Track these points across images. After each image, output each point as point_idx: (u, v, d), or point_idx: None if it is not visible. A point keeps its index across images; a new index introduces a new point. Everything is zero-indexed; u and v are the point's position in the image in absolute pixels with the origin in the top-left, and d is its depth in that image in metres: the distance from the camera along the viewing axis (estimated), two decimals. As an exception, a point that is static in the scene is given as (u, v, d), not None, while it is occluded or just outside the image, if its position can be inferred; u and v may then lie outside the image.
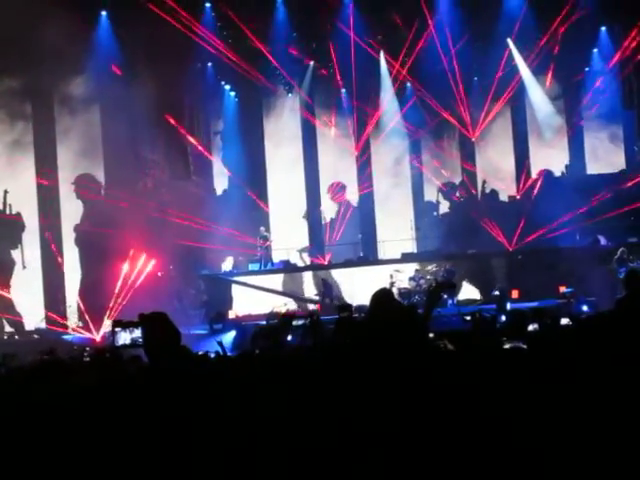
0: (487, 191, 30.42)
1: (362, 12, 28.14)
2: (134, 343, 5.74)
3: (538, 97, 29.93)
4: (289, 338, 9.33)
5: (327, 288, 27.14)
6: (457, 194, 30.56)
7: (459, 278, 26.23)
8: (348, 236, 30.96)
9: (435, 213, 31.24)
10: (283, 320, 6.95)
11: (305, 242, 31.10)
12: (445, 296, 22.67)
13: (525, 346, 6.05)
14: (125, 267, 25.20)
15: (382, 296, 6.90)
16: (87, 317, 24.99)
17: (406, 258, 28.20)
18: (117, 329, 5.83)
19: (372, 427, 4.52)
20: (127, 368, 7.06)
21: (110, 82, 25.48)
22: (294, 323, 6.99)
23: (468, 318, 9.10)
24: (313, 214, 31.31)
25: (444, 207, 31.11)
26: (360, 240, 30.86)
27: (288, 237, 30.84)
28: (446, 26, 28.49)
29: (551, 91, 29.70)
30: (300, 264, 29.78)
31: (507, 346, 6.28)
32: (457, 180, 30.99)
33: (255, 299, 27.66)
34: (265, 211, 30.92)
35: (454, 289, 23.49)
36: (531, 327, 6.83)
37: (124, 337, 5.76)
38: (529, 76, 29.66)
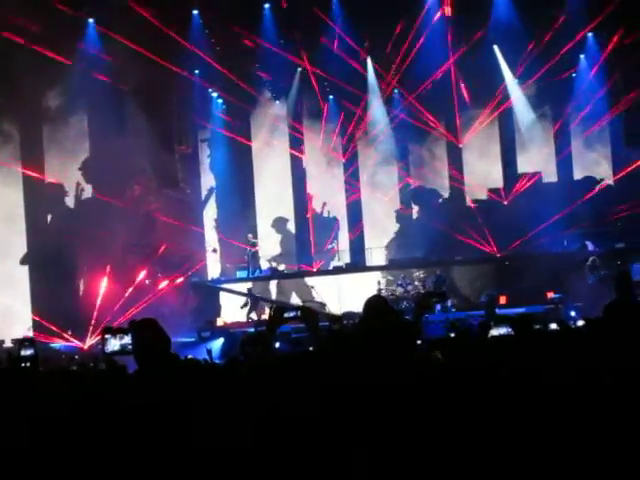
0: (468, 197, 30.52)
1: (350, 20, 28.09)
2: (124, 349, 5.71)
3: (521, 104, 29.96)
4: (277, 345, 9.30)
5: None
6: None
7: (448, 284, 26.27)
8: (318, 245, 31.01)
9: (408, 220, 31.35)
10: (274, 313, 6.89)
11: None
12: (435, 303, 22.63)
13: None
14: (112, 276, 25.19)
15: (376, 304, 6.86)
16: (76, 325, 24.99)
17: (394, 265, 28.21)
18: (107, 335, 5.79)
19: (361, 438, 4.50)
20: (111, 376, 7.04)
21: (97, 90, 25.46)
22: (285, 315, 6.92)
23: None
24: (300, 222, 31.28)
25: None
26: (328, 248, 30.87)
27: (276, 244, 30.88)
28: (435, 33, 28.53)
29: (535, 97, 29.63)
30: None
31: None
32: (444, 187, 31.01)
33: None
34: (252, 218, 30.89)
35: (444, 297, 23.52)
36: (501, 331, 6.80)
37: (114, 344, 5.73)
38: (513, 83, 29.70)
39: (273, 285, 29.01)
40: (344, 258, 30.01)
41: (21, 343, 5.56)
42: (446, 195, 30.88)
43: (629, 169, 27.95)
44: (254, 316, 27.03)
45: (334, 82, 29.70)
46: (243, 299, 27.99)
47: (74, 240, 24.68)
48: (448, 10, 28.15)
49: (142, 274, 26.22)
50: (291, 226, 31.40)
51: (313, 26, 28.25)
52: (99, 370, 10.24)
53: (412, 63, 28.89)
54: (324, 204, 31.31)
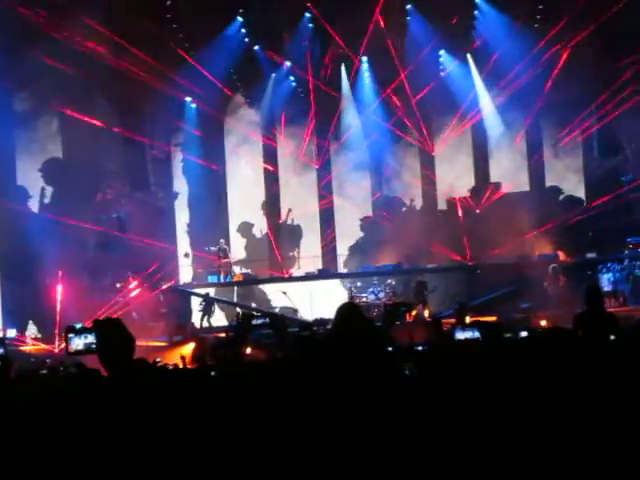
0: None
1: (323, 22, 28.15)
2: (88, 349, 5.67)
3: (491, 115, 30.07)
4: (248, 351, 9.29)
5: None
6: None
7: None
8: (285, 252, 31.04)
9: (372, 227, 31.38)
10: (242, 318, 6.89)
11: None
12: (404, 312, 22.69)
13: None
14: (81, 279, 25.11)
15: (349, 311, 6.85)
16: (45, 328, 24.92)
17: (365, 273, 28.23)
18: (70, 335, 5.75)
19: (329, 442, 4.50)
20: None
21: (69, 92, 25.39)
22: (254, 322, 6.92)
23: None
24: (273, 228, 31.28)
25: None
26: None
27: (248, 250, 30.86)
28: (413, 37, 28.68)
29: (506, 107, 29.66)
30: None
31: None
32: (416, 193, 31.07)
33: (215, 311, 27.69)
34: (225, 223, 30.84)
35: (412, 307, 23.63)
36: (467, 335, 6.82)
37: (77, 343, 5.69)
38: (484, 93, 29.82)
39: (244, 290, 28.90)
40: (309, 266, 30.04)
41: None
42: (417, 203, 30.91)
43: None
44: (205, 322, 26.98)
45: (308, 87, 29.79)
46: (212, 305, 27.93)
47: (43, 243, 24.52)
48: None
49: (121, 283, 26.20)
50: (256, 231, 31.34)
51: (286, 30, 28.34)
52: (69, 373, 10.18)
53: (387, 66, 29.02)
54: (289, 210, 31.30)
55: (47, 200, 27.31)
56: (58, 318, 24.74)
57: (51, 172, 27.46)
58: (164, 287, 27.62)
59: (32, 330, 25.43)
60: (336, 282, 28.20)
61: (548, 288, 24.81)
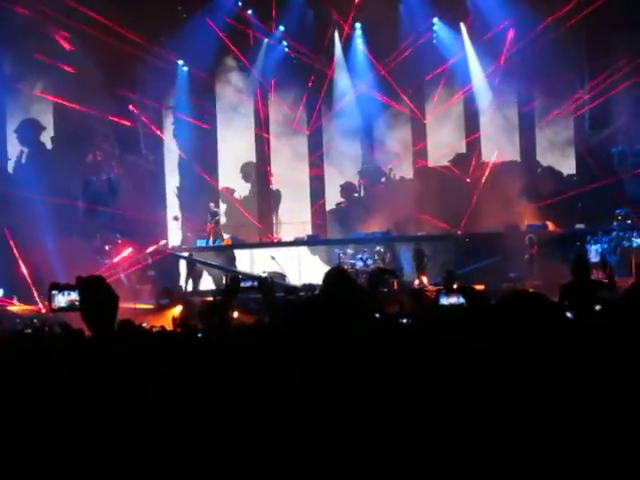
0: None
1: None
2: (72, 306, 5.66)
3: (482, 88, 30.03)
4: (235, 314, 9.31)
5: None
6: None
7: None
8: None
9: (356, 194, 31.45)
10: (230, 282, 6.89)
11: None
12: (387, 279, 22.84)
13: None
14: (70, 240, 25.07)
15: (337, 275, 6.85)
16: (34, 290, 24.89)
17: (355, 239, 28.23)
18: (54, 292, 5.75)
19: (317, 406, 4.51)
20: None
21: (61, 54, 25.27)
22: (242, 285, 6.93)
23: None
24: (262, 193, 31.29)
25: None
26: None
27: (236, 214, 30.83)
28: (407, 4, 28.64)
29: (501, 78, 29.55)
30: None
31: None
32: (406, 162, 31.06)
33: (203, 275, 27.71)
34: (215, 188, 30.80)
35: (395, 274, 23.71)
36: (452, 301, 6.86)
37: (61, 300, 5.69)
38: (475, 61, 29.75)
39: (233, 255, 28.88)
40: (298, 232, 30.17)
41: None
42: (407, 171, 30.91)
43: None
44: (191, 285, 27.02)
45: (302, 52, 29.73)
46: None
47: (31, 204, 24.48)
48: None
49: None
50: (237, 195, 31.35)
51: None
52: (53, 333, 10.19)
53: (383, 36, 28.94)
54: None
55: (36, 161, 27.14)
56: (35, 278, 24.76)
57: (38, 131, 27.36)
58: (151, 249, 27.61)
59: (18, 291, 25.34)
60: (325, 248, 28.19)
61: (524, 258, 24.93)
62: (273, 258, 26.87)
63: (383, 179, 30.92)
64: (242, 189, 31.43)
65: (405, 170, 30.98)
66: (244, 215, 30.81)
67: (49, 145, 27.76)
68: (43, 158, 27.33)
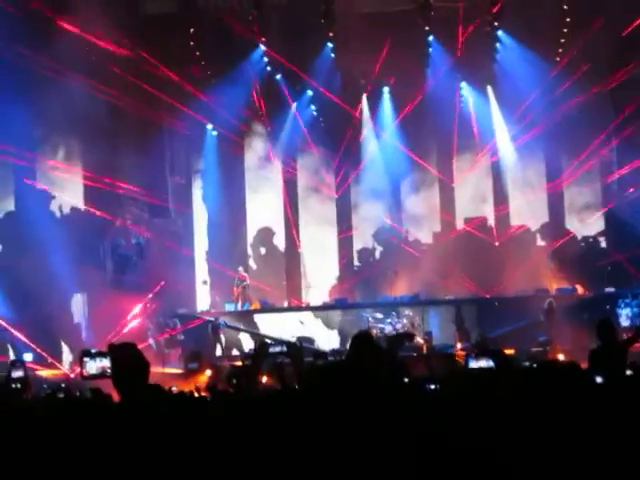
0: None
1: (343, 57, 28.21)
2: (103, 373, 5.69)
3: (509, 153, 30.10)
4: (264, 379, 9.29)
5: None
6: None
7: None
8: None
9: (371, 259, 31.40)
10: (258, 348, 6.91)
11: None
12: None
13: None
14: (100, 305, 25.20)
15: (363, 340, 6.85)
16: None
17: (384, 303, 28.15)
18: (85, 359, 5.77)
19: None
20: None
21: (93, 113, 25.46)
22: (270, 350, 6.94)
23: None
24: (290, 257, 31.37)
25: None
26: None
27: (266, 278, 30.84)
28: (434, 69, 28.77)
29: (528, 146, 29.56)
30: None
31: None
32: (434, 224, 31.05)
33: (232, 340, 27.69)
34: (244, 251, 30.91)
35: (413, 338, 23.71)
36: (481, 364, 6.81)
37: (92, 366, 5.71)
38: (501, 124, 29.87)
39: (261, 319, 28.84)
40: (325, 295, 30.24)
41: (12, 364, 5.56)
42: (435, 233, 30.88)
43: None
44: (218, 350, 26.93)
45: (329, 116, 29.98)
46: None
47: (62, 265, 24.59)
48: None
49: (137, 307, 26.25)
50: (274, 260, 31.43)
51: (309, 60, 28.47)
52: (85, 398, 10.19)
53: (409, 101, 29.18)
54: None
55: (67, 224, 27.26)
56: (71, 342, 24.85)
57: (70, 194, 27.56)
58: (180, 314, 27.66)
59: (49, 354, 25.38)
60: (353, 312, 28.10)
61: (545, 322, 24.81)
62: (302, 323, 26.87)
63: (420, 239, 30.92)
64: (268, 253, 31.52)
65: (432, 232, 30.95)
66: (271, 279, 30.85)
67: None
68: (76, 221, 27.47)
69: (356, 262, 31.27)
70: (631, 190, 28.14)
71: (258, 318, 28.41)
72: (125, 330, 25.12)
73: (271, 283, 30.70)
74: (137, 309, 27.08)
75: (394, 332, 26.02)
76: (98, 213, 26.79)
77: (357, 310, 28.05)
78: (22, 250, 24.89)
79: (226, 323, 27.37)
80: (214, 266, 30.40)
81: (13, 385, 5.34)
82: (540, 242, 29.72)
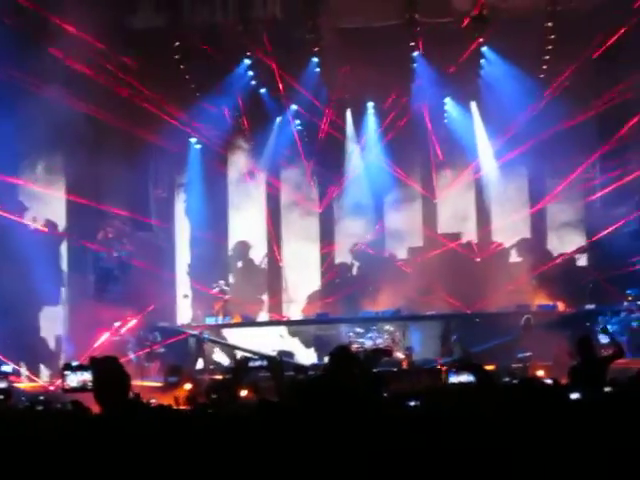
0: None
1: (328, 72, 28.27)
2: (84, 387, 5.68)
3: (492, 171, 30.19)
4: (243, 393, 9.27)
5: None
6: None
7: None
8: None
9: (353, 274, 31.40)
10: (239, 362, 6.93)
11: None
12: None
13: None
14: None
15: (340, 355, 6.87)
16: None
17: (365, 318, 28.16)
18: (66, 372, 5.76)
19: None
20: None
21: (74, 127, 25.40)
22: (250, 364, 6.96)
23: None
24: (272, 270, 31.38)
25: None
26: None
27: (246, 292, 30.83)
28: (419, 84, 28.83)
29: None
30: None
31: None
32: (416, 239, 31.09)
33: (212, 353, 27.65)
34: (225, 265, 30.92)
35: (390, 354, 23.71)
36: (462, 379, 6.83)
37: (73, 379, 5.70)
38: (485, 140, 29.95)
39: (242, 333, 28.79)
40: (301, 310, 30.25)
41: None
42: (417, 249, 30.89)
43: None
44: (198, 364, 26.89)
45: (314, 130, 30.03)
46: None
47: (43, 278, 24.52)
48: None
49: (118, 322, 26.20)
50: (254, 274, 31.42)
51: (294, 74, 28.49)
52: (65, 410, 10.15)
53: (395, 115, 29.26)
54: (265, 256, 31.45)
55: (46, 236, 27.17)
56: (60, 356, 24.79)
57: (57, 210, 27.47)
58: (161, 327, 27.59)
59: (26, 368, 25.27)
60: (334, 326, 28.10)
61: (522, 338, 24.85)
62: (282, 336, 26.86)
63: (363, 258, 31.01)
64: (248, 267, 31.52)
65: (414, 248, 30.95)
66: (251, 293, 30.87)
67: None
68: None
69: (337, 277, 31.24)
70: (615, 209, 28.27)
71: (239, 332, 28.37)
72: (100, 343, 25.02)
73: (251, 297, 30.70)
74: (118, 323, 27.03)
75: (374, 347, 26.05)
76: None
77: (338, 325, 28.06)
78: (3, 260, 24.81)
79: (209, 337, 27.34)
80: (195, 280, 30.37)
81: (-5, 395, 5.33)
82: (521, 259, 29.77)
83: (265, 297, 31.19)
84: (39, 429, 6.12)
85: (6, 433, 5.48)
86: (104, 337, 25.50)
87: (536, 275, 28.49)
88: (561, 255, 29.53)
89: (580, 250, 29.41)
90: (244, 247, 31.50)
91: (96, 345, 24.56)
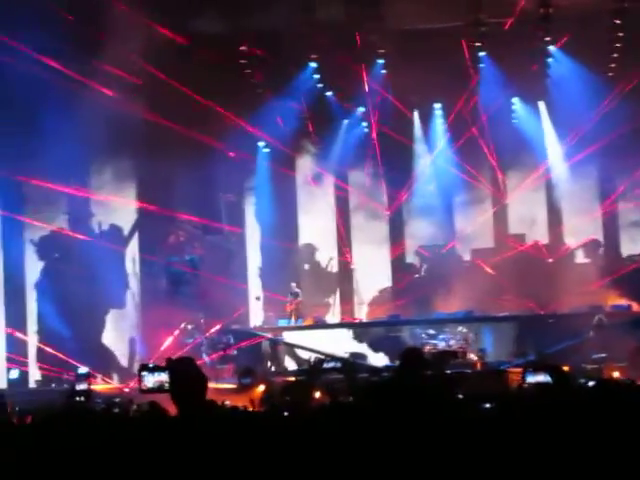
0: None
1: (393, 73, 28.22)
2: (160, 387, 5.72)
3: (562, 172, 29.89)
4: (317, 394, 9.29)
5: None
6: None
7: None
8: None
9: (417, 275, 31.32)
10: (312, 364, 6.94)
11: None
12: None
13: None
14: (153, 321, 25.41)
15: (411, 357, 6.86)
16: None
17: (437, 319, 28.06)
18: (144, 373, 5.81)
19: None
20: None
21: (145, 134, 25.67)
22: (325, 366, 6.97)
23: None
24: (343, 273, 31.41)
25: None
26: None
27: (318, 294, 30.92)
28: (485, 84, 28.64)
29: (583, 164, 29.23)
30: None
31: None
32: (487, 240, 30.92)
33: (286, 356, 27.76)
34: (296, 267, 31.00)
35: (457, 356, 23.59)
36: (539, 379, 6.77)
37: (150, 380, 5.74)
38: (554, 141, 29.66)
39: (315, 335, 28.86)
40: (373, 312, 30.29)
41: (77, 378, 5.60)
42: (488, 250, 30.70)
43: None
44: (272, 366, 27.00)
45: (382, 133, 29.97)
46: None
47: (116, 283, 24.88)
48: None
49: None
50: (326, 276, 31.51)
51: (357, 77, 28.46)
52: (142, 412, 10.26)
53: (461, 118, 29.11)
54: (330, 258, 31.45)
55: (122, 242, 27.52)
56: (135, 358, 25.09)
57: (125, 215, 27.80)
58: (234, 330, 27.76)
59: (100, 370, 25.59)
60: (407, 328, 28.04)
61: (595, 339, 24.56)
62: (355, 339, 26.87)
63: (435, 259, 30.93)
64: (318, 270, 31.60)
65: (484, 249, 30.79)
66: (322, 296, 30.96)
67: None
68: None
69: (408, 279, 31.16)
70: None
71: (312, 334, 28.43)
72: (174, 346, 25.28)
73: (321, 300, 30.80)
74: (190, 325, 27.30)
75: (448, 349, 25.98)
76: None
77: (410, 327, 27.99)
78: (72, 265, 25.17)
79: (282, 339, 27.47)
80: (267, 282, 30.52)
81: (77, 398, 5.36)
82: (593, 260, 29.47)
83: (332, 300, 31.21)
84: (117, 432, 6.19)
85: (86, 435, 5.54)
86: (169, 340, 25.81)
87: (609, 276, 28.14)
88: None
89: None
90: (311, 250, 31.57)
91: (166, 346, 24.83)
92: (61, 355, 25.29)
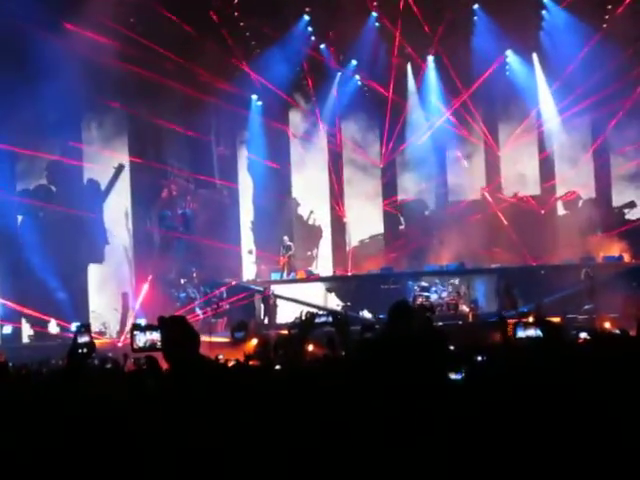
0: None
1: (387, 26, 28.10)
2: (153, 346, 5.74)
3: (555, 124, 29.81)
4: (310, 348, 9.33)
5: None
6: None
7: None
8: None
9: (401, 227, 31.44)
10: (305, 317, 6.93)
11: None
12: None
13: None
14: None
15: (401, 309, 6.87)
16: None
17: (430, 272, 28.10)
18: (135, 332, 5.82)
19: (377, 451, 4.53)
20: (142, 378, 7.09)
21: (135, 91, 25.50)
22: (316, 320, 6.95)
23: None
24: (336, 226, 31.44)
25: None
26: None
27: (311, 247, 30.99)
28: (479, 37, 28.50)
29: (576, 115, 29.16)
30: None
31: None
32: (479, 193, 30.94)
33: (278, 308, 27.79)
34: (288, 221, 31.01)
35: (433, 311, 23.71)
36: (529, 333, 6.79)
37: (142, 340, 5.75)
38: (547, 94, 29.56)
39: (307, 288, 28.91)
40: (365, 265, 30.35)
41: (78, 330, 5.61)
42: (480, 202, 30.73)
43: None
44: (267, 319, 27.07)
45: (374, 86, 29.88)
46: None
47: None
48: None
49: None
50: (318, 230, 31.57)
51: (352, 29, 28.30)
52: (140, 369, 10.31)
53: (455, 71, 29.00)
54: (311, 212, 31.51)
55: (114, 198, 27.35)
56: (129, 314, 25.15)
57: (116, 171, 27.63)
58: (227, 283, 27.79)
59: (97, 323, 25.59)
60: (399, 280, 28.08)
61: (584, 291, 24.62)
62: (347, 291, 26.91)
63: (427, 212, 30.98)
64: (311, 223, 31.66)
65: (477, 201, 30.80)
66: (321, 248, 31.07)
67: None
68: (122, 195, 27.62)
69: (400, 232, 31.22)
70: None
71: (304, 287, 28.48)
72: (164, 300, 25.33)
73: (314, 253, 30.88)
74: (183, 280, 27.37)
75: (440, 300, 26.07)
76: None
77: (403, 279, 28.04)
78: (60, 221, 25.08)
79: (274, 292, 27.50)
80: (259, 235, 30.56)
81: (80, 350, 5.39)
82: (586, 211, 29.49)
83: (320, 252, 31.31)
84: (112, 388, 6.21)
85: (85, 392, 5.57)
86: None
87: (601, 227, 28.19)
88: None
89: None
90: (303, 203, 31.60)
91: (159, 301, 24.86)
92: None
